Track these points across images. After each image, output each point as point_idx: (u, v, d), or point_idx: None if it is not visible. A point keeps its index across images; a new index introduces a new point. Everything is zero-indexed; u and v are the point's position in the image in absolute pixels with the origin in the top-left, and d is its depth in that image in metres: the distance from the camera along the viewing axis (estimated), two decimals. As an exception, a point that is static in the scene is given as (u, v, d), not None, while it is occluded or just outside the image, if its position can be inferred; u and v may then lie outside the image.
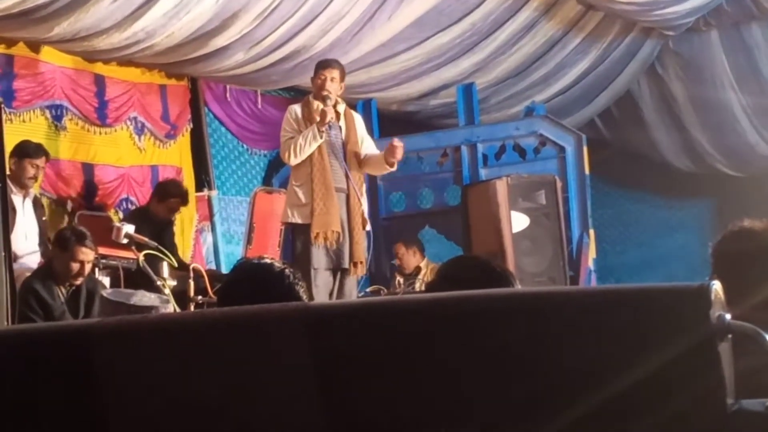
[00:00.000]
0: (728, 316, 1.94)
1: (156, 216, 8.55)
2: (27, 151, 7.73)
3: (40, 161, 7.80)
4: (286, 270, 3.42)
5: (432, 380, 2.05)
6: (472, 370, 2.03)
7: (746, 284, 2.89)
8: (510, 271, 3.18)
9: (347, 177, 7.41)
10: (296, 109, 7.50)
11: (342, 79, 7.51)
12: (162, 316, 2.98)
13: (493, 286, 3.07)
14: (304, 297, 3.40)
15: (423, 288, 9.30)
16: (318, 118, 7.24)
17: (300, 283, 3.43)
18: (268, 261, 3.54)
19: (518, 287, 3.47)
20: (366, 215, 7.56)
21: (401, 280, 9.69)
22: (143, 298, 6.25)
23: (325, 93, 7.34)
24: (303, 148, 7.22)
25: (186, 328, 2.34)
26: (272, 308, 2.32)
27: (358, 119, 7.75)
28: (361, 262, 7.43)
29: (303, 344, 2.16)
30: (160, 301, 6.30)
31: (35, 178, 7.80)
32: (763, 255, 3.07)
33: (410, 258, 9.85)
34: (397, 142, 7.51)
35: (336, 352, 2.13)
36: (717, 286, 1.96)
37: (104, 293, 6.54)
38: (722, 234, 3.31)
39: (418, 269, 9.83)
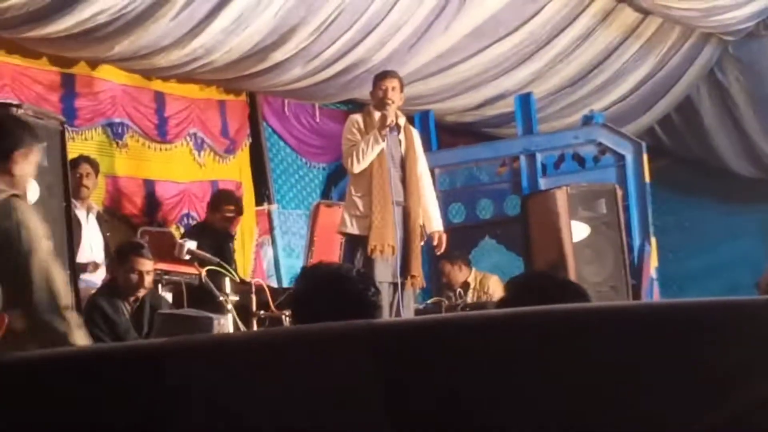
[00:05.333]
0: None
1: (214, 228, 8.54)
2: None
3: (82, 168, 7.77)
4: (357, 274, 3.44)
5: (509, 401, 2.03)
6: (554, 390, 1.99)
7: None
8: (585, 290, 3.13)
9: (405, 190, 7.44)
10: (358, 118, 7.55)
11: (402, 89, 7.56)
12: (230, 336, 3.00)
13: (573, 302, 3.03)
14: (377, 302, 3.41)
15: (475, 299, 9.26)
16: (379, 124, 7.30)
17: (372, 287, 3.44)
18: (337, 266, 3.57)
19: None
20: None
21: (451, 295, 9.54)
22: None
23: (388, 101, 7.38)
24: (366, 153, 7.27)
25: (252, 348, 2.35)
26: (337, 327, 2.31)
27: (416, 135, 7.80)
28: (418, 275, 7.45)
29: (369, 364, 2.15)
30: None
31: (86, 186, 7.82)
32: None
33: (457, 273, 9.71)
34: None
35: (404, 372, 2.12)
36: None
37: (162, 312, 6.54)
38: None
39: (466, 284, 9.70)
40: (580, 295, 3.03)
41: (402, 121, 7.60)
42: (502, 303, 3.11)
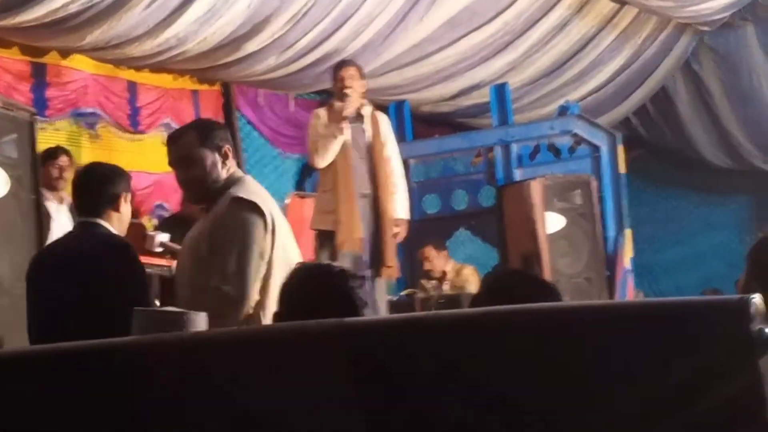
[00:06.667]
0: (768, 329, 1.88)
1: (189, 220, 8.46)
2: (45, 155, 7.72)
3: (62, 160, 7.76)
4: (344, 271, 3.41)
5: (478, 398, 2.00)
6: (521, 387, 1.97)
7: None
8: (556, 288, 3.12)
9: (373, 180, 7.34)
10: (321, 112, 7.46)
11: (361, 77, 7.44)
12: (196, 334, 2.95)
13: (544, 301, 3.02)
14: (363, 297, 3.37)
15: (450, 290, 9.22)
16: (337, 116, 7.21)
17: (359, 283, 3.41)
18: (325, 263, 3.55)
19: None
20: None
21: (429, 285, 9.46)
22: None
23: (346, 90, 7.27)
24: (327, 147, 7.19)
25: (221, 346, 2.31)
26: (308, 325, 2.28)
27: (383, 121, 7.60)
28: (393, 266, 7.38)
29: (340, 363, 2.12)
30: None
31: (62, 178, 7.78)
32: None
33: (441, 261, 9.66)
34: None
35: (376, 370, 2.09)
36: (757, 299, 1.90)
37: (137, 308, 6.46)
38: (758, 239, 3.25)
39: (444, 273, 9.63)
40: (551, 293, 3.02)
41: (367, 110, 7.46)
42: (474, 301, 3.09)
